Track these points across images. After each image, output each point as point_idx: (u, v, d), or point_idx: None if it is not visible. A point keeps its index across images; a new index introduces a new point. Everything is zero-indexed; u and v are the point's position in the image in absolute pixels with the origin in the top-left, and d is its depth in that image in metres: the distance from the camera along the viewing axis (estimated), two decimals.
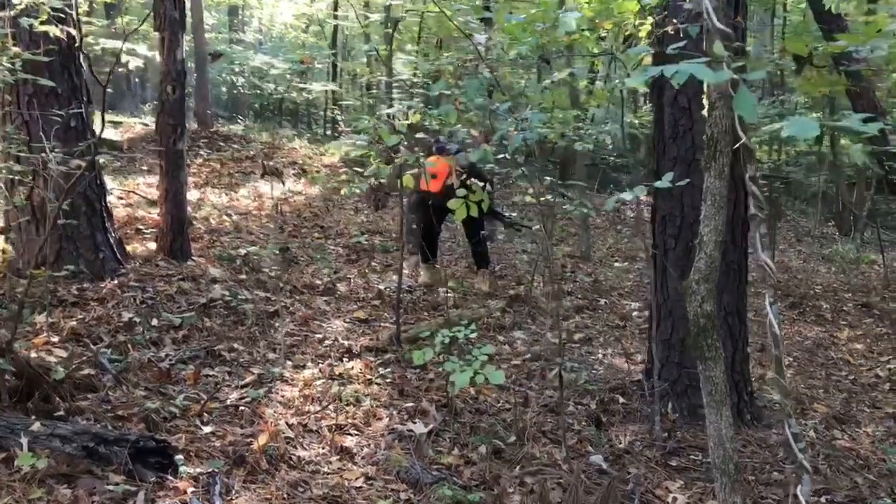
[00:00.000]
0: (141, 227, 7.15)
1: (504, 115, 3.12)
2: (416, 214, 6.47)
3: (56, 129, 4.85)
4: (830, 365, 5.86)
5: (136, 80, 22.11)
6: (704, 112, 2.90)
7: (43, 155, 4.08)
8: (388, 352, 4.89)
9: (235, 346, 4.56)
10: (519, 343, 5.48)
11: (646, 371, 4.48)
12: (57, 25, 4.39)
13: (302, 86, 9.79)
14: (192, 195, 9.94)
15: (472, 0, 4.17)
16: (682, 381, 4.12)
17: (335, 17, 22.05)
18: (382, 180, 4.41)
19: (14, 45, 4.34)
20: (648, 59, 2.89)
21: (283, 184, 10.73)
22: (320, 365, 4.52)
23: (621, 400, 4.33)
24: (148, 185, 10.10)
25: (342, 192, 4.65)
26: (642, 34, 3.88)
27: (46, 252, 4.75)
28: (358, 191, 4.50)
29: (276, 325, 5.04)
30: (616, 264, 8.45)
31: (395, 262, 7.46)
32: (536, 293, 6.67)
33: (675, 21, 3.14)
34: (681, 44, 2.47)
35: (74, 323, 4.35)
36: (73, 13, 4.94)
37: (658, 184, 3.02)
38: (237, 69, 19.90)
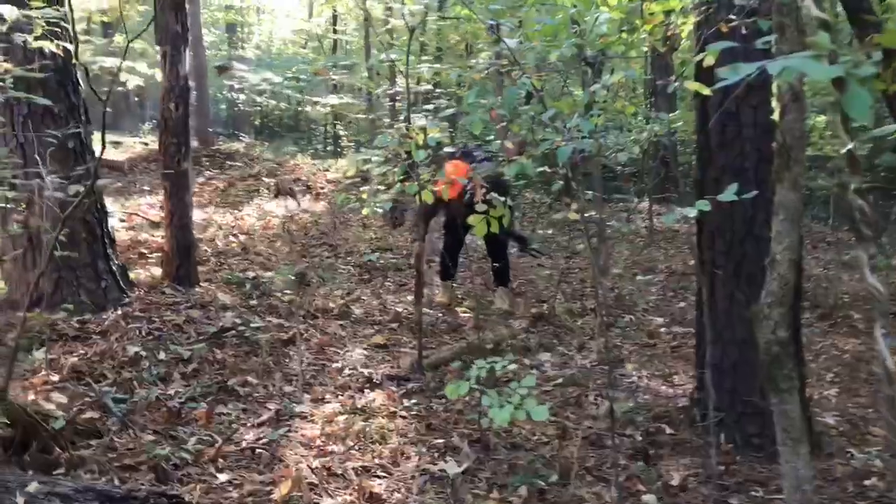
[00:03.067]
0: (144, 251, 6.85)
1: (548, 124, 2.83)
2: (424, 225, 6.18)
3: (52, 150, 4.57)
4: (875, 381, 5.53)
5: (136, 98, 21.90)
6: (775, 116, 2.60)
7: (38, 181, 3.78)
8: (411, 380, 4.58)
9: (249, 379, 4.24)
10: (548, 367, 5.16)
11: (693, 398, 4.16)
12: (52, 40, 4.10)
13: (316, 99, 9.46)
14: (196, 215, 9.67)
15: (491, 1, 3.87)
16: (736, 409, 3.80)
17: (334, 31, 21.87)
18: (400, 198, 4.11)
19: (5, 61, 4.04)
20: (710, 59, 2.60)
21: (299, 204, 10.38)
22: (340, 397, 4.20)
23: (668, 430, 4.00)
24: (149, 206, 9.83)
25: (363, 212, 4.34)
26: (683, 34, 3.59)
27: (44, 285, 4.45)
28: (381, 210, 4.19)
29: (292, 353, 4.73)
30: (638, 277, 8.12)
31: (409, 282, 7.16)
32: (560, 311, 6.36)
33: (732, 17, 2.85)
34: (769, 37, 2.17)
35: (76, 359, 4.04)
36: (70, 27, 4.66)
37: (722, 196, 2.72)
38: (237, 85, 19.67)
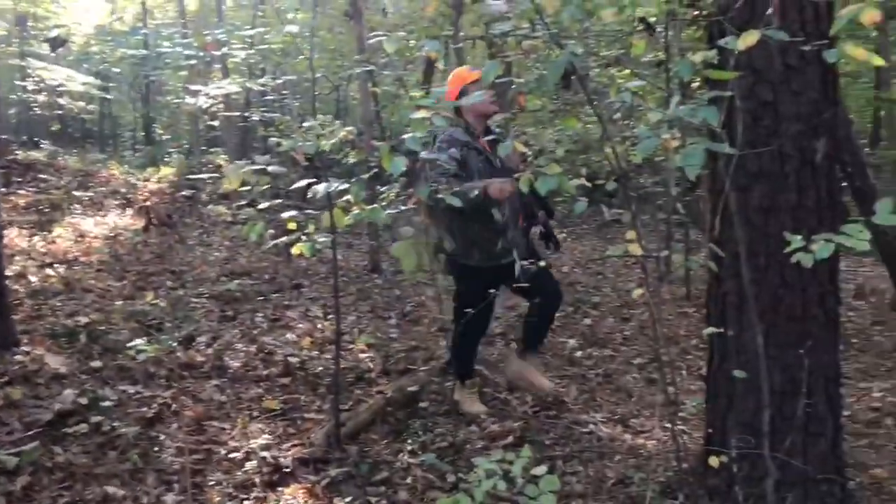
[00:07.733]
0: None
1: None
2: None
3: None
4: None
5: None
6: None
7: None
8: (331, 461, 3.45)
9: (111, 490, 2.95)
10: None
11: None
12: None
13: (197, 87, 7.78)
14: None
15: None
16: None
17: (144, 25, 19.85)
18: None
19: None
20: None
21: (179, 236, 8.54)
22: (246, 503, 3.03)
23: None
24: None
25: (296, 250, 3.07)
26: None
27: None
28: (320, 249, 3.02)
29: (162, 437, 3.46)
30: None
31: (282, 315, 5.95)
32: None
33: None
34: None
35: None
36: None
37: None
38: (30, 86, 17.28)
